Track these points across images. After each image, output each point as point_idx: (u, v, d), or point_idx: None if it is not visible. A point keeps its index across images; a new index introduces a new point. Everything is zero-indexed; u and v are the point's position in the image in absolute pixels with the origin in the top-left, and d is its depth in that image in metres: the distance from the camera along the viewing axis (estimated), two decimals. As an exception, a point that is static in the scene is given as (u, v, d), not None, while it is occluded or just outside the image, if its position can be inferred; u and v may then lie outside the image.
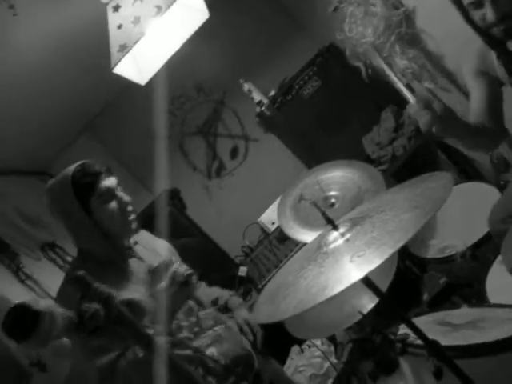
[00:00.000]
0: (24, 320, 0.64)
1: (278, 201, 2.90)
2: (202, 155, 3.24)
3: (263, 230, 2.99)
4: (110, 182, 1.46)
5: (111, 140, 3.18)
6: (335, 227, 0.84)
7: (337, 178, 2.08)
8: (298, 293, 0.84)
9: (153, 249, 1.57)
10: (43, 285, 1.82)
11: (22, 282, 1.76)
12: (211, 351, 1.42)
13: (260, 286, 2.60)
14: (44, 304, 0.66)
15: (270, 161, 3.18)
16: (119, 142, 3.17)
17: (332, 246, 0.85)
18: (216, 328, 1.51)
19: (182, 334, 1.41)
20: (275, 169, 3.15)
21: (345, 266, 0.83)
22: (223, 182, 3.25)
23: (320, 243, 0.87)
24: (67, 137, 3.06)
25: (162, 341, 0.76)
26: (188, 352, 1.33)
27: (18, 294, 1.69)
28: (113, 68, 1.61)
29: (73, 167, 1.46)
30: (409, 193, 1.00)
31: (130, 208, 1.48)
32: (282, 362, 2.30)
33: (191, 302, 1.53)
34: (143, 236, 1.59)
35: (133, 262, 1.46)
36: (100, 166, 1.48)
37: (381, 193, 1.65)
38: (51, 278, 1.96)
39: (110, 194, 1.44)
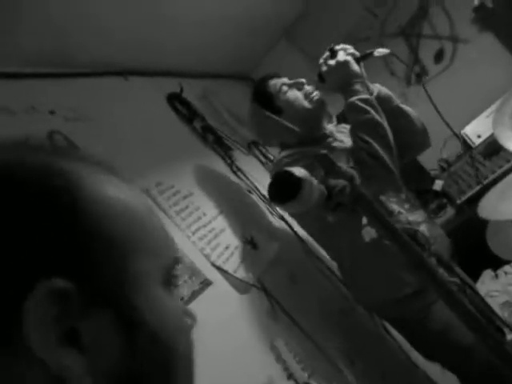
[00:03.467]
0: (288, 184, 0.71)
1: (487, 112, 2.59)
2: (403, 59, 2.99)
3: (465, 143, 2.72)
4: (279, 80, 1.64)
5: (309, 45, 3.14)
6: None
7: None
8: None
9: None
10: (251, 177, 2.00)
11: (234, 173, 1.96)
12: (422, 229, 1.43)
13: (459, 202, 2.43)
14: (305, 173, 0.73)
15: (482, 66, 2.75)
16: (317, 47, 3.12)
17: None
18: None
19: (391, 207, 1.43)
20: (487, 75, 2.73)
21: None
22: (422, 90, 3.00)
23: None
24: (267, 44, 3.14)
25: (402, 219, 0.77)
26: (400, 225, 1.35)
27: (231, 183, 1.91)
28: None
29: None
30: None
31: (309, 88, 1.61)
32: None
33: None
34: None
35: (335, 148, 1.52)
36: (268, 73, 1.68)
37: None
38: (256, 172, 2.14)
39: (283, 85, 1.61)
